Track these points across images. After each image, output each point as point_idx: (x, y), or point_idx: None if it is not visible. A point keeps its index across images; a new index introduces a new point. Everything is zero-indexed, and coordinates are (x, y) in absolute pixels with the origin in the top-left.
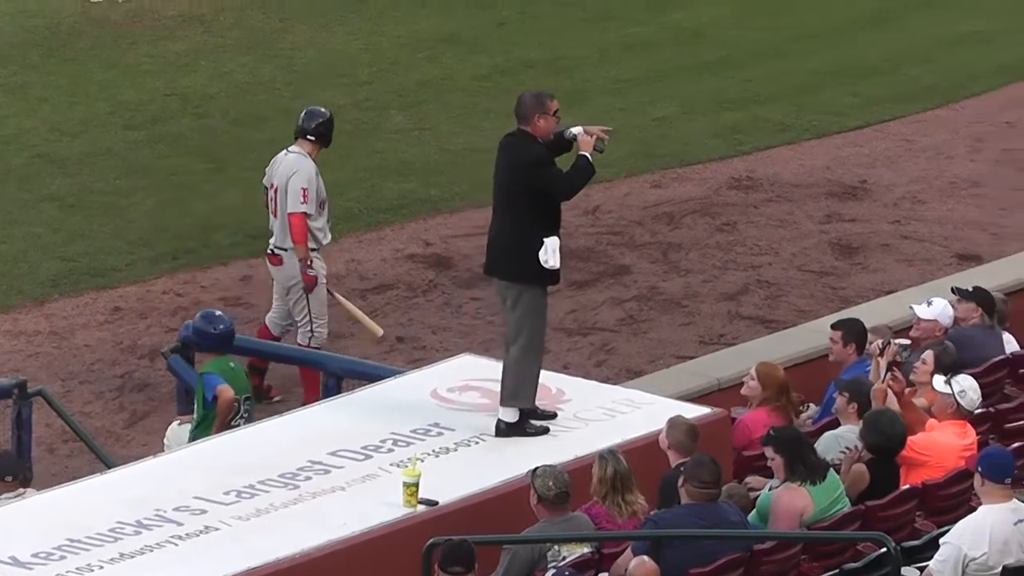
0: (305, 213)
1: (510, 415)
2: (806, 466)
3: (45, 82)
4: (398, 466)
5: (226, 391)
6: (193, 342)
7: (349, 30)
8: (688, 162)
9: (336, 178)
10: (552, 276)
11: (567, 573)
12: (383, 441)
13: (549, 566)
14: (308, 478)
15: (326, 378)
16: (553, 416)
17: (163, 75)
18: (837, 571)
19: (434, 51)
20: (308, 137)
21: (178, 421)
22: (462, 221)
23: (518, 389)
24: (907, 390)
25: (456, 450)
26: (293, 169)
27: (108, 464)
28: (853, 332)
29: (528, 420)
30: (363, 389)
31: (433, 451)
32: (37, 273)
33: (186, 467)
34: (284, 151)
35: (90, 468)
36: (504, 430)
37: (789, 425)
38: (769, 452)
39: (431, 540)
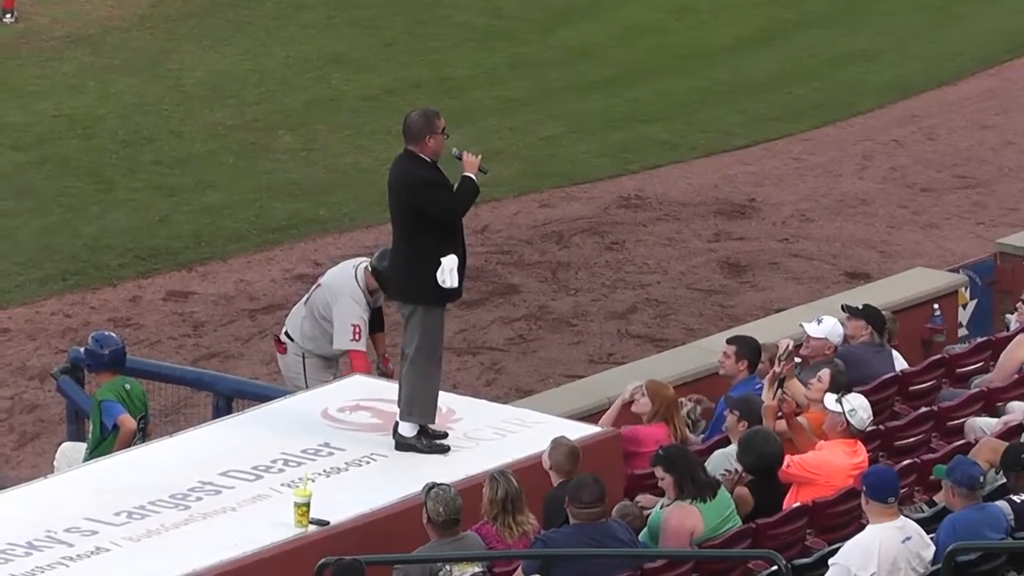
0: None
1: (406, 429)
2: (695, 484)
3: None
4: (289, 486)
5: (128, 422)
6: (86, 364)
7: (237, 51)
8: (576, 181)
9: (225, 199)
10: (450, 295)
11: None
12: (274, 461)
13: None
14: (199, 499)
15: (216, 399)
16: (444, 436)
17: (51, 96)
18: None
19: (322, 71)
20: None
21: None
22: (351, 241)
23: (411, 404)
24: (797, 408)
25: (347, 470)
26: (337, 285)
27: None
28: (747, 349)
29: (425, 437)
30: (254, 409)
31: (324, 471)
32: None
33: (77, 488)
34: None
35: None
36: (400, 444)
37: (677, 444)
38: (659, 471)
39: (322, 560)
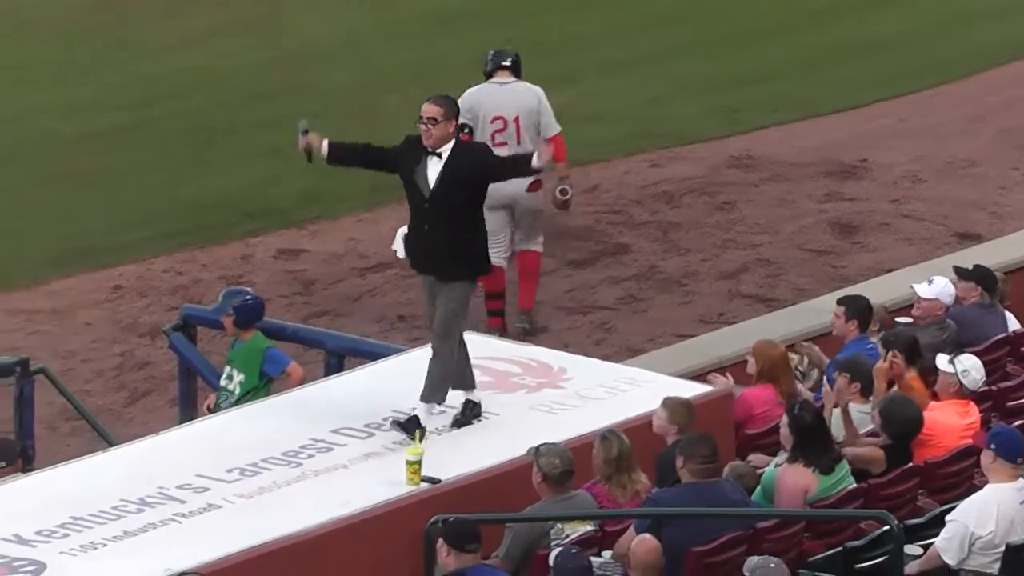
0: None
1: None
2: (815, 455)
3: (44, 61)
4: (401, 444)
5: (298, 369)
6: (241, 321)
7: (349, 11)
8: (686, 141)
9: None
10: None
11: (572, 551)
12: (385, 419)
13: (552, 544)
14: (310, 456)
15: (327, 356)
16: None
17: (165, 54)
18: (839, 549)
19: (443, 29)
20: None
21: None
22: None
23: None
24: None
25: (459, 428)
26: (534, 97)
27: (110, 442)
28: (855, 308)
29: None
30: (365, 367)
31: (436, 429)
32: (35, 252)
33: (188, 445)
34: (493, 85)
35: (91, 446)
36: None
37: (816, 408)
38: (784, 430)
39: (434, 518)
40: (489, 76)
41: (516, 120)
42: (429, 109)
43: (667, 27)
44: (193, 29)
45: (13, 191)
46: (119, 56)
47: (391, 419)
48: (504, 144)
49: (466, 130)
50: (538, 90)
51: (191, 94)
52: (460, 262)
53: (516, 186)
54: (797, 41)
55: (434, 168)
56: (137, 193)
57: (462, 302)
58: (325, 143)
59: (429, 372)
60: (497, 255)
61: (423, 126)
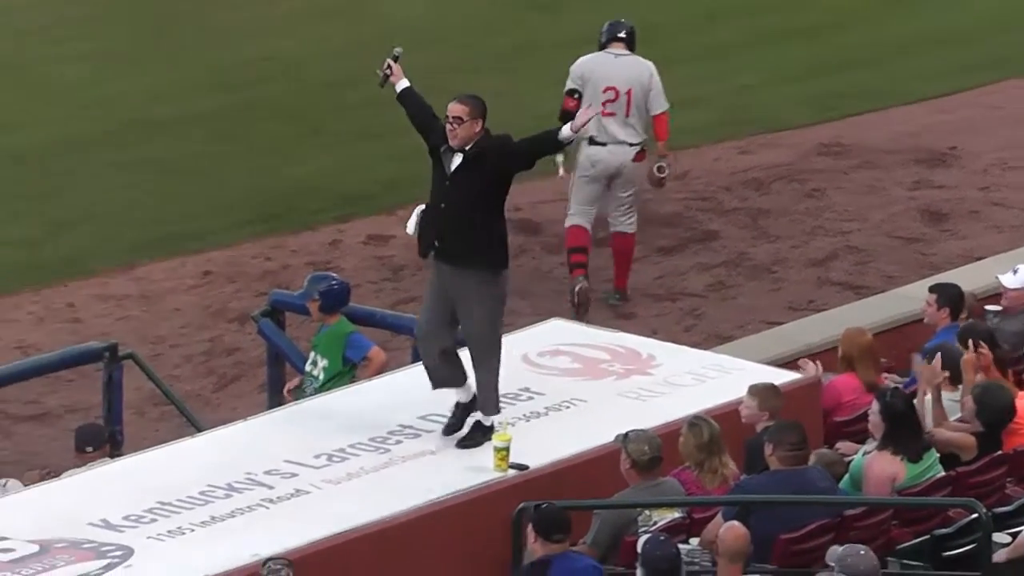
0: None
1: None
2: (904, 442)
3: (138, 46)
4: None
5: (381, 353)
6: (327, 306)
7: None
8: (776, 128)
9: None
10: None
11: (661, 537)
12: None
13: (640, 531)
14: (399, 442)
15: (415, 343)
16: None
17: (257, 39)
18: (927, 537)
19: (526, 15)
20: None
21: None
22: (553, 186)
23: None
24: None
25: (547, 414)
26: (646, 71)
27: (198, 427)
28: (947, 296)
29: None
30: None
31: (524, 415)
32: (126, 237)
33: (276, 430)
34: (608, 55)
35: (180, 432)
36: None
37: (907, 395)
38: (875, 418)
39: (521, 504)
40: (603, 47)
41: (628, 93)
42: (455, 108)
43: (759, 14)
44: (278, 14)
45: (103, 176)
46: (205, 42)
47: (456, 442)
48: (613, 115)
49: (576, 95)
50: (650, 65)
51: (278, 80)
52: (475, 246)
53: (623, 156)
54: (888, 28)
55: (458, 156)
56: (226, 179)
57: (496, 302)
58: (404, 83)
59: (480, 384)
60: (583, 221)
61: (448, 125)
